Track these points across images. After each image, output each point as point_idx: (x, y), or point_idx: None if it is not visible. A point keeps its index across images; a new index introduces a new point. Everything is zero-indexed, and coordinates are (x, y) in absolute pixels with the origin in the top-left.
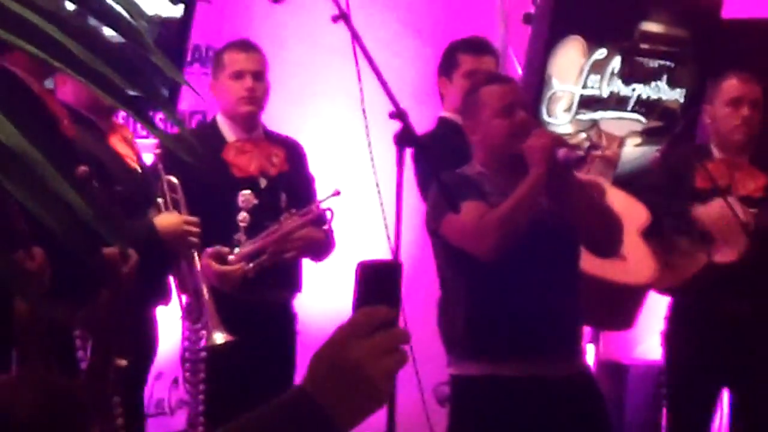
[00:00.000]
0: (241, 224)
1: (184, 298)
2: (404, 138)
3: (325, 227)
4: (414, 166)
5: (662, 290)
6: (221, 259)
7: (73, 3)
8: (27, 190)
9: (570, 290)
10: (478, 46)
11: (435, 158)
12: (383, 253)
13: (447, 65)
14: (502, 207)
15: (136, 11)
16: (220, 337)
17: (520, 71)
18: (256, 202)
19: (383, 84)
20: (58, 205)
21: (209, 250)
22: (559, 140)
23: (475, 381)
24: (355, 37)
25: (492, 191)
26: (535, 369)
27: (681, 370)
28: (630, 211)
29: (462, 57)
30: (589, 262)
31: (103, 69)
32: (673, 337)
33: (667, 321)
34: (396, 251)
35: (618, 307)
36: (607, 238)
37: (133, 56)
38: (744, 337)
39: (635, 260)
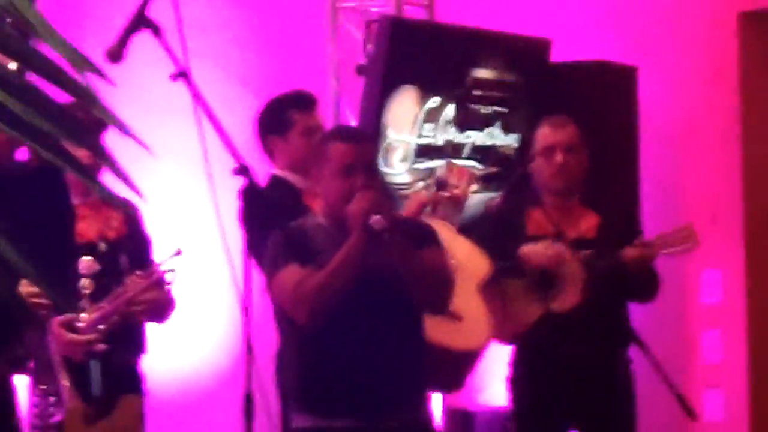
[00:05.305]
0: (85, 291)
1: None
2: (249, 192)
3: (167, 287)
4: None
5: (501, 341)
6: (71, 326)
7: (16, 61)
8: None
9: (406, 341)
10: (309, 101)
11: (267, 216)
12: (232, 307)
13: (279, 123)
14: (319, 275)
15: (80, 61)
16: None
17: (353, 123)
18: (98, 268)
19: (225, 140)
20: None
21: (59, 318)
22: (377, 206)
23: None
24: (195, 94)
25: (325, 248)
26: (366, 420)
27: (527, 415)
28: (472, 264)
29: (295, 115)
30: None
31: (47, 127)
32: (517, 382)
33: (511, 366)
34: (246, 305)
35: (449, 370)
36: (431, 297)
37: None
38: (585, 380)
39: (471, 321)
